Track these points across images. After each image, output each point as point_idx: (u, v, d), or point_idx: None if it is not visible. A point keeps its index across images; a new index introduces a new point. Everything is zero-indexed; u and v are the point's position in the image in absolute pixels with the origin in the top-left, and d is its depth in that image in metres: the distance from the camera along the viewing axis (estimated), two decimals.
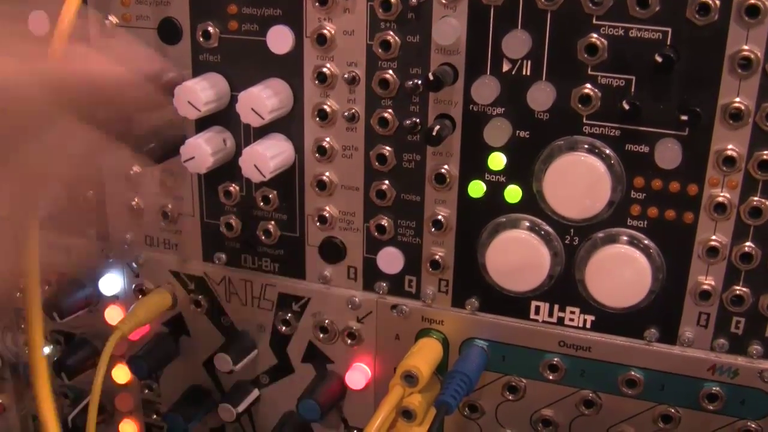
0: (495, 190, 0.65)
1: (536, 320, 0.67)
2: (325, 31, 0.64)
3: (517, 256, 0.64)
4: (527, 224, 0.64)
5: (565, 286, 0.65)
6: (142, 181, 0.75)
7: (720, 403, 0.64)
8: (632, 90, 0.59)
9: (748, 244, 0.61)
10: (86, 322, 0.83)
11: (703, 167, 0.60)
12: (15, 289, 0.59)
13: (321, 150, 0.68)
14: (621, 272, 0.62)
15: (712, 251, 0.61)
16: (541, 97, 0.61)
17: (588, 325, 0.66)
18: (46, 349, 0.84)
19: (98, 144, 0.54)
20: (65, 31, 0.61)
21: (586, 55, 0.59)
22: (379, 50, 0.63)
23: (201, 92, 0.66)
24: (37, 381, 0.63)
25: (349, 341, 0.73)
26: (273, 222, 0.72)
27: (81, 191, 0.72)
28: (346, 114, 0.66)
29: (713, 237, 0.61)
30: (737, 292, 0.62)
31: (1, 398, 0.93)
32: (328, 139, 0.68)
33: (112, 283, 0.80)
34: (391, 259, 0.70)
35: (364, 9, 0.63)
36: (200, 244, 0.76)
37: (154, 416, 0.86)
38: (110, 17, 0.71)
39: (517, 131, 0.63)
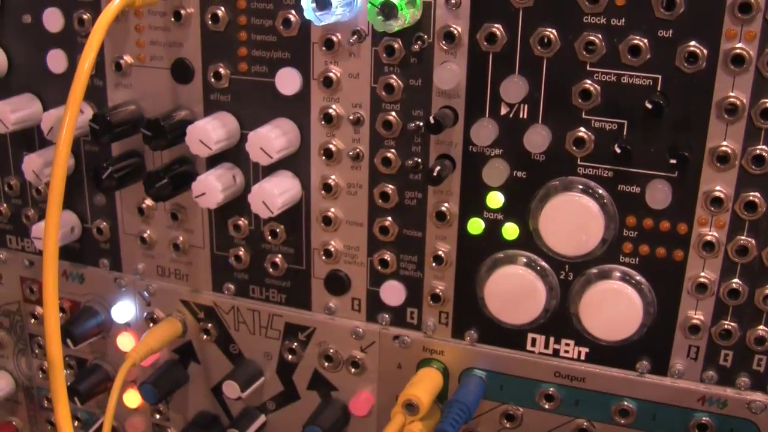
0: (493, 227, 0.67)
1: (533, 352, 0.69)
2: (331, 74, 0.67)
3: (515, 291, 0.66)
4: (524, 260, 0.66)
5: (560, 320, 0.67)
6: (154, 214, 0.78)
7: None
8: (624, 133, 0.61)
9: (735, 280, 0.63)
10: (99, 348, 0.86)
11: (692, 207, 0.62)
12: None
13: (327, 187, 0.70)
14: (614, 307, 0.64)
15: (701, 287, 0.63)
16: (537, 139, 0.63)
17: (582, 357, 0.68)
18: None
19: None
20: (86, 72, 0.64)
21: (580, 100, 0.61)
22: (383, 93, 0.66)
23: (212, 132, 0.68)
24: (57, 407, 0.65)
25: (352, 370, 0.75)
26: (280, 255, 0.74)
27: None
28: (351, 153, 0.68)
29: (702, 274, 0.63)
30: (725, 326, 0.64)
31: (15, 421, 0.95)
32: (333, 176, 0.70)
33: (124, 311, 0.82)
34: (393, 292, 0.72)
35: (368, 53, 0.66)
36: (210, 275, 0.78)
37: None
38: (126, 57, 0.73)
39: (515, 171, 0.65)
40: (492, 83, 0.63)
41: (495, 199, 0.66)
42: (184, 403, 0.84)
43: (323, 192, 0.70)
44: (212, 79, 0.71)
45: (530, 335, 0.69)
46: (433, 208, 0.68)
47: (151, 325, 0.81)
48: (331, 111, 0.68)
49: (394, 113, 0.66)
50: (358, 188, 0.70)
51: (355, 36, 0.64)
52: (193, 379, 0.83)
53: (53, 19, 0.75)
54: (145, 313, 0.81)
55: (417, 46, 0.64)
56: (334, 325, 0.75)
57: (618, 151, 0.60)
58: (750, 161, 0.59)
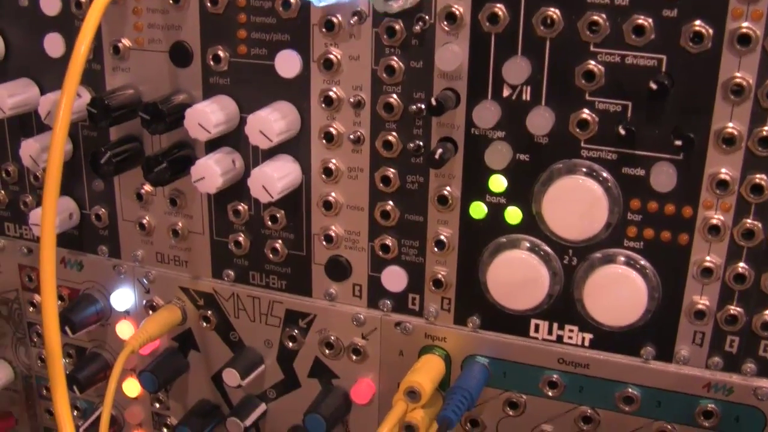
0: (496, 211, 0.66)
1: (536, 338, 0.69)
2: (331, 56, 0.66)
3: (518, 276, 0.66)
4: (527, 245, 0.66)
5: (563, 305, 0.67)
6: (152, 200, 0.77)
7: (715, 419, 0.66)
8: (629, 115, 0.60)
9: (741, 265, 0.62)
10: (98, 337, 0.85)
11: (697, 190, 0.61)
12: None
13: (327, 171, 0.69)
14: (618, 292, 0.64)
15: (707, 272, 0.62)
16: (540, 121, 0.62)
17: (586, 343, 0.68)
18: None
19: None
20: (82, 55, 0.63)
21: (583, 81, 0.60)
22: (384, 75, 0.65)
23: (211, 114, 0.67)
24: (55, 395, 0.65)
25: (354, 357, 0.74)
26: (280, 241, 0.74)
27: None
28: (351, 136, 0.68)
29: (708, 258, 0.62)
30: (731, 311, 0.63)
31: (14, 411, 0.94)
32: (334, 160, 0.69)
33: (123, 298, 0.82)
34: (395, 278, 0.71)
35: (369, 35, 0.65)
36: (210, 261, 0.77)
37: (164, 429, 0.87)
38: (123, 40, 0.73)
39: (517, 154, 0.64)
40: (494, 64, 0.62)
41: (497, 183, 0.65)
42: (183, 391, 0.84)
43: (324, 176, 0.70)
44: (211, 63, 0.70)
45: (533, 321, 0.68)
46: (435, 192, 0.67)
47: (151, 312, 0.80)
48: (331, 94, 0.67)
49: (395, 95, 0.66)
50: (359, 172, 0.69)
51: (356, 17, 0.64)
52: (192, 367, 0.82)
53: (50, 3, 0.74)
54: (145, 301, 0.81)
55: (418, 27, 0.63)
56: (334, 312, 0.74)
57: (622, 133, 0.60)
58: (756, 143, 0.59)
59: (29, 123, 0.79)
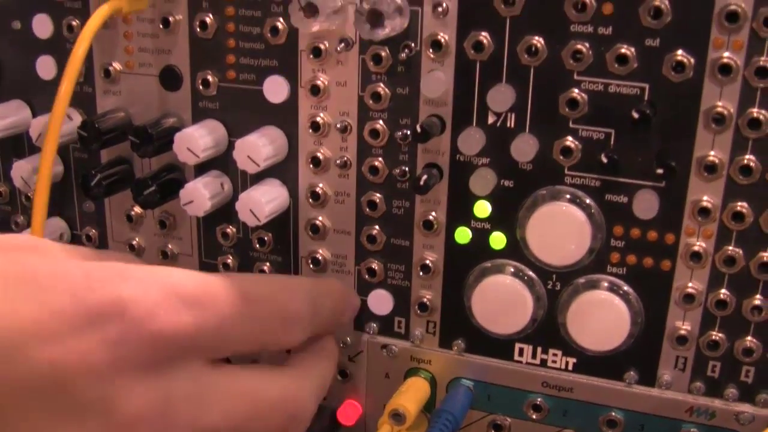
0: (480, 236, 0.67)
1: (520, 361, 0.69)
2: (318, 82, 0.67)
3: (502, 300, 0.66)
4: (511, 270, 0.66)
5: (547, 330, 0.67)
6: (142, 222, 0.77)
7: None
8: (612, 143, 0.61)
9: (723, 291, 0.62)
10: None
11: (679, 217, 0.61)
12: None
13: (314, 195, 0.70)
14: (601, 317, 0.64)
15: (689, 298, 0.63)
16: (524, 148, 0.62)
17: (570, 367, 0.68)
18: None
19: None
20: (73, 76, 0.64)
21: (567, 109, 0.61)
22: (370, 101, 0.66)
23: (200, 139, 0.68)
24: None
25: (340, 379, 0.75)
26: (268, 263, 0.74)
27: None
28: (338, 161, 0.68)
29: (690, 284, 0.63)
30: (713, 337, 0.64)
31: None
32: (321, 185, 0.70)
33: None
34: (381, 301, 0.71)
35: (356, 61, 0.66)
36: None
37: None
38: (114, 64, 0.73)
39: (502, 181, 0.65)
40: (479, 92, 0.63)
41: (482, 209, 0.66)
42: None
43: (311, 200, 0.70)
44: (200, 87, 0.71)
45: (518, 345, 0.69)
46: (421, 217, 0.67)
47: None
48: (318, 119, 0.67)
49: (381, 122, 0.66)
50: (345, 197, 0.69)
51: (343, 44, 0.64)
52: None
53: (43, 26, 0.75)
54: None
55: (404, 55, 0.63)
56: None
57: (605, 160, 0.60)
58: (738, 171, 0.59)
59: (21, 144, 0.79)
